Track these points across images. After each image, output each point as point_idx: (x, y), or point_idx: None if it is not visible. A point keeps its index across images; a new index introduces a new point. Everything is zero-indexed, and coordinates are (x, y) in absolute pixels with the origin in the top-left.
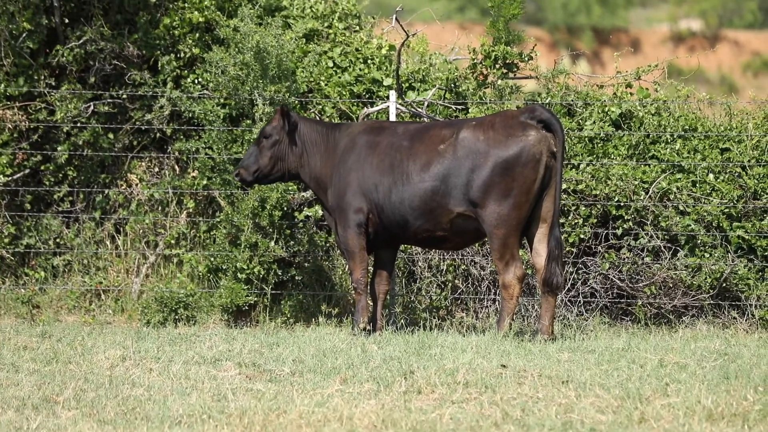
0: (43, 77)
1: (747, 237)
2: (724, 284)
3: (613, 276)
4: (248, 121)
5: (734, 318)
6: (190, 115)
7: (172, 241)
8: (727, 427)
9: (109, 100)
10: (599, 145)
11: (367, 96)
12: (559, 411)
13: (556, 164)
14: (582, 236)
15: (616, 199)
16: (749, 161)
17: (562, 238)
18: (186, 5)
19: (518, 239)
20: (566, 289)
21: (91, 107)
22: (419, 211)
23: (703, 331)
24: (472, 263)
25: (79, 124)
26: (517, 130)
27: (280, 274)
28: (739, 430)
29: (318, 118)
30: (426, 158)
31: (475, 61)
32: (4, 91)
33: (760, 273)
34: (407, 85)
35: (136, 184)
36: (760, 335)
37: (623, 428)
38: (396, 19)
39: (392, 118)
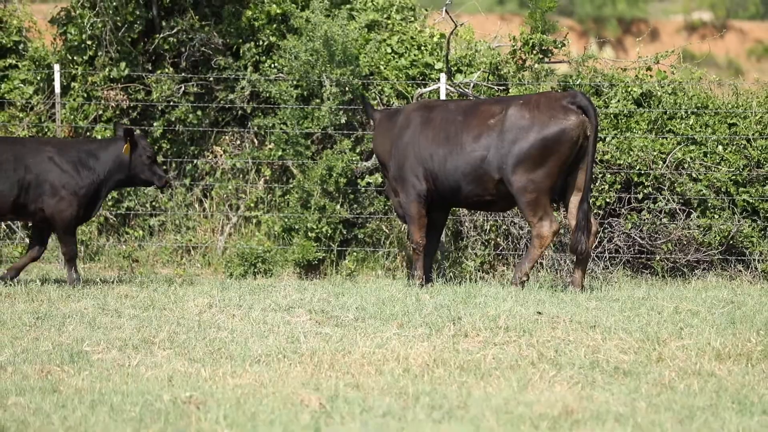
0: (141, 62)
1: (751, 200)
2: (731, 242)
3: (635, 234)
4: (317, 100)
5: (740, 271)
6: (268, 95)
7: (252, 204)
8: (734, 366)
9: (197, 82)
10: (623, 120)
11: (420, 78)
12: (588, 352)
13: (589, 145)
14: (608, 200)
15: (638, 167)
16: (753, 134)
17: (591, 201)
18: None
19: (549, 200)
20: (594, 246)
21: (183, 88)
22: (470, 178)
23: (712, 283)
24: (512, 223)
25: (172, 103)
26: (559, 113)
27: (344, 233)
28: (743, 367)
29: (379, 100)
30: (478, 131)
31: (515, 47)
32: (108, 74)
33: (763, 232)
34: (455, 68)
35: (221, 155)
36: (762, 286)
37: (643, 367)
38: (446, 11)
39: (442, 97)
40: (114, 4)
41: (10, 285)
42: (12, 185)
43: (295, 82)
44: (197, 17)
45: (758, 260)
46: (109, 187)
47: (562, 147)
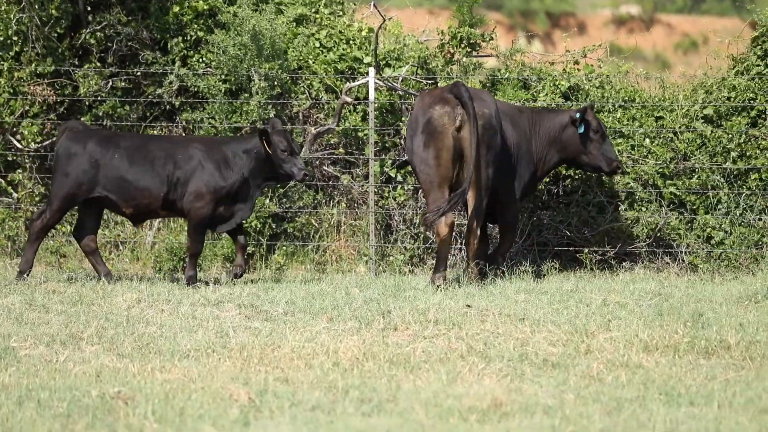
0: (68, 57)
1: (678, 193)
2: (659, 234)
3: (564, 227)
4: (246, 95)
5: (667, 263)
6: (196, 89)
7: None
8: (661, 357)
9: (125, 77)
10: None
11: (349, 72)
12: (517, 344)
13: (467, 137)
14: (537, 193)
15: None
16: (679, 127)
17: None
18: None
19: (442, 193)
20: (523, 239)
21: (110, 83)
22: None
23: (640, 275)
24: None
25: (99, 98)
26: (432, 103)
27: (274, 227)
28: (671, 359)
29: (308, 94)
30: (413, 127)
31: (443, 41)
32: (34, 69)
33: (689, 224)
34: (384, 62)
35: None
36: (689, 278)
37: (571, 359)
38: (374, 5)
39: (371, 92)
40: None
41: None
42: (162, 182)
43: (223, 77)
44: (124, 12)
45: (685, 252)
46: (258, 184)
47: (432, 138)
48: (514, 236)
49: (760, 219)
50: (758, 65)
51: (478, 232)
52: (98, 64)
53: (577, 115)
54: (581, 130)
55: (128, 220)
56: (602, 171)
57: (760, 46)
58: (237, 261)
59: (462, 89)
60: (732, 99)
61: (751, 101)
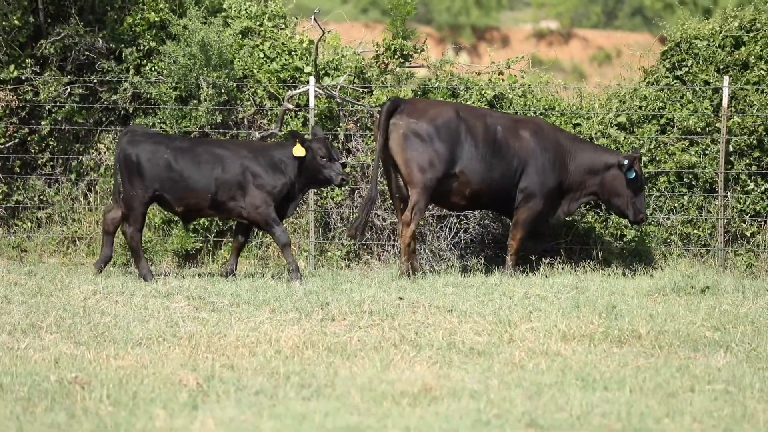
0: (29, 65)
1: None
2: (576, 232)
3: (489, 225)
4: (195, 101)
5: (584, 259)
6: (148, 96)
7: None
8: (578, 346)
9: (82, 84)
10: None
11: (291, 81)
12: (445, 334)
13: (392, 144)
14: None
15: None
16: (595, 134)
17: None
18: (145, 7)
19: (389, 189)
20: (452, 236)
21: (69, 90)
22: None
23: (559, 270)
24: (376, 215)
25: (58, 104)
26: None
27: (220, 224)
28: (586, 347)
29: (252, 101)
30: None
31: (378, 52)
32: None
33: (604, 223)
34: (323, 72)
35: (105, 152)
36: (603, 272)
37: (496, 347)
38: (314, 19)
39: (311, 99)
40: (3, 10)
41: (233, 280)
42: (209, 184)
43: (174, 84)
44: (82, 23)
45: (600, 249)
46: (301, 188)
47: (377, 143)
48: (522, 234)
49: (668, 219)
50: (667, 77)
51: (413, 227)
52: (57, 71)
53: (625, 161)
54: (630, 175)
55: (180, 218)
56: (627, 218)
57: (668, 59)
58: (230, 260)
59: (386, 103)
60: (643, 108)
61: (661, 110)
